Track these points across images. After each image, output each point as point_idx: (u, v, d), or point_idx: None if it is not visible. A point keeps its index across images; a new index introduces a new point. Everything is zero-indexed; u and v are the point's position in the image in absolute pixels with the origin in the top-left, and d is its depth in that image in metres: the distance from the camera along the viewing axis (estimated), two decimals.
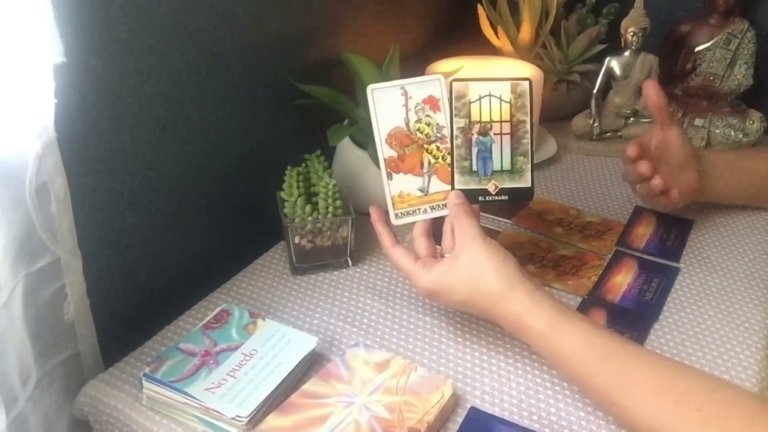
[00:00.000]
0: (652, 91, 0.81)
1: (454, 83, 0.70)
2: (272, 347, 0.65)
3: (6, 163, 0.55)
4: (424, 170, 0.71)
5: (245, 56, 0.79)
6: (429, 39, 1.15)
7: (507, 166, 0.70)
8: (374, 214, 0.71)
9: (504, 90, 0.70)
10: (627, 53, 1.04)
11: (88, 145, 0.63)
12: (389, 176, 0.70)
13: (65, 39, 0.54)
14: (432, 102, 0.71)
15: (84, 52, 0.60)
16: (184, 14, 0.69)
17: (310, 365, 0.66)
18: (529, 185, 0.70)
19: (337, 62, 0.89)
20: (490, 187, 0.70)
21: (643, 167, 0.81)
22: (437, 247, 0.70)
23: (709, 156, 0.87)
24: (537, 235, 0.88)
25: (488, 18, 1.12)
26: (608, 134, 1.08)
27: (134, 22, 0.64)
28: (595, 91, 1.07)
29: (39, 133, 0.56)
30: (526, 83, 0.70)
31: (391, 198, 0.70)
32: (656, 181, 0.81)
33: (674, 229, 0.89)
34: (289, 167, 0.79)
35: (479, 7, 1.11)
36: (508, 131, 0.70)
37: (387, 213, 0.71)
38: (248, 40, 0.78)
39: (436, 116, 0.71)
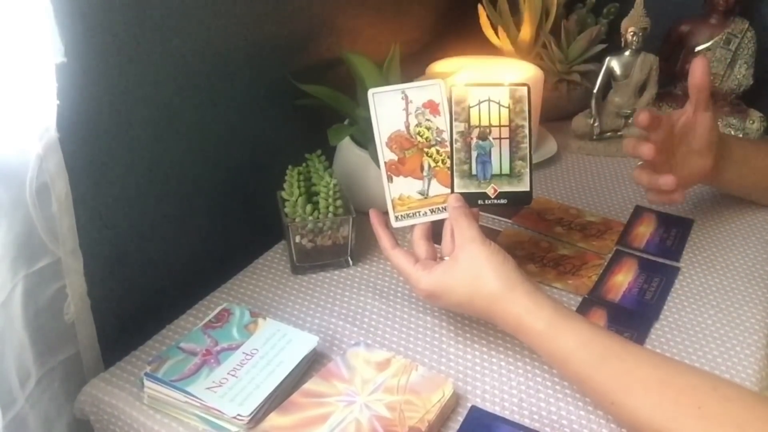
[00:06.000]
0: (699, 70, 0.76)
1: (453, 88, 0.71)
2: (273, 346, 0.65)
3: (7, 164, 0.55)
4: (424, 173, 0.71)
5: (245, 56, 0.79)
6: (429, 39, 1.16)
7: (506, 170, 0.70)
8: (373, 217, 0.71)
9: (503, 95, 0.71)
10: (627, 53, 1.04)
11: (89, 145, 0.63)
12: (389, 179, 0.70)
13: (65, 39, 0.54)
14: (432, 106, 0.71)
15: (84, 52, 0.60)
16: (184, 14, 0.69)
17: (311, 364, 0.67)
18: (528, 189, 0.70)
19: (337, 62, 0.89)
20: (489, 191, 0.70)
21: (645, 150, 0.77)
22: (437, 249, 0.70)
23: (730, 143, 0.84)
24: (537, 234, 0.88)
25: (488, 18, 1.12)
26: (608, 134, 1.08)
27: (134, 22, 0.64)
28: (595, 91, 1.07)
29: (40, 134, 0.56)
30: (525, 89, 0.71)
31: (392, 201, 0.70)
32: (667, 180, 0.78)
33: (674, 229, 0.89)
34: (289, 167, 0.79)
35: (479, 7, 1.11)
36: (507, 136, 0.70)
37: (386, 216, 0.71)
38: (248, 40, 0.78)
39: (436, 120, 0.71)
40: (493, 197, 0.70)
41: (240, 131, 0.81)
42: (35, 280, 0.60)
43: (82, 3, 0.58)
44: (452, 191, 0.70)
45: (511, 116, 0.71)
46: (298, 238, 0.78)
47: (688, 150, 0.81)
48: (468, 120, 0.70)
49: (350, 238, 0.79)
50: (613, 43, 1.10)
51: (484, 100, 0.71)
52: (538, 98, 1.01)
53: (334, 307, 0.75)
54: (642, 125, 0.77)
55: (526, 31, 1.10)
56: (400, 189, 0.70)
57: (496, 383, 0.65)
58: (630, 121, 1.07)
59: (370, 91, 0.70)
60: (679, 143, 0.81)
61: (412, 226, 0.70)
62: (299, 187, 0.78)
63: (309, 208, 0.77)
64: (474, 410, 0.62)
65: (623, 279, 0.80)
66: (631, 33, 1.03)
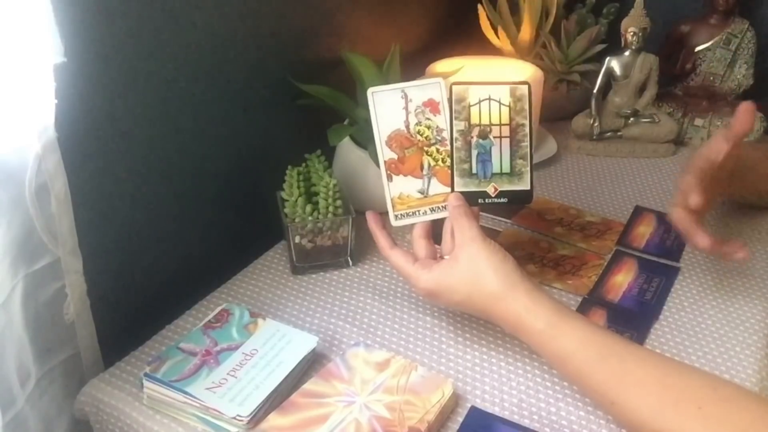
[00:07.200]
0: (747, 116, 0.71)
1: (453, 87, 0.71)
2: (273, 347, 0.65)
3: (6, 163, 0.55)
4: (424, 172, 0.71)
5: (245, 56, 0.79)
6: (429, 39, 1.16)
7: (506, 168, 0.70)
8: (370, 218, 0.71)
9: (503, 94, 0.71)
10: (627, 53, 1.04)
11: (88, 145, 0.63)
12: (389, 178, 0.70)
13: (65, 39, 0.54)
14: (432, 105, 0.71)
15: (84, 52, 0.60)
16: (184, 14, 0.69)
17: (311, 365, 0.67)
18: (528, 188, 0.70)
19: (337, 62, 0.89)
20: (490, 190, 0.70)
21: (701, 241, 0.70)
22: (437, 248, 0.70)
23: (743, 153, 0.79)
24: (537, 234, 0.88)
25: (488, 18, 1.12)
26: (608, 134, 1.08)
27: (134, 22, 0.64)
28: (595, 91, 1.07)
29: (39, 134, 0.56)
30: (525, 87, 0.71)
31: (391, 200, 0.70)
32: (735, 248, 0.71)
33: (674, 229, 0.88)
34: (289, 167, 0.79)
35: (479, 7, 1.11)
36: (508, 134, 0.70)
37: (383, 217, 0.71)
38: (248, 39, 0.78)
39: (436, 119, 0.71)
40: (493, 196, 0.70)
41: (240, 131, 0.81)
42: (35, 280, 0.60)
43: (82, 3, 0.58)
44: (452, 190, 0.70)
45: (512, 115, 0.70)
46: (297, 239, 0.78)
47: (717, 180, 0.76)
48: (468, 118, 0.70)
49: (350, 238, 0.79)
50: (613, 43, 1.10)
51: (485, 99, 0.70)
52: (538, 98, 1.01)
53: (334, 308, 0.75)
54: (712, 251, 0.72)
55: (526, 31, 1.10)
56: (400, 188, 0.70)
57: (495, 383, 0.65)
58: (630, 121, 1.07)
59: (370, 90, 0.70)
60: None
61: (412, 226, 0.70)
62: (299, 188, 0.77)
63: (309, 208, 0.77)
64: (473, 411, 0.62)
65: (623, 279, 0.80)
66: (631, 33, 1.03)
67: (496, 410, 0.62)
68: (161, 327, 0.71)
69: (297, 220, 0.77)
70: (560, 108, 1.13)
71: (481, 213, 0.83)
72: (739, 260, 0.75)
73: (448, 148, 0.70)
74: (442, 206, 0.70)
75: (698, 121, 1.09)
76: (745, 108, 0.72)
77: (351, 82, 0.86)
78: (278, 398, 0.61)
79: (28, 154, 0.56)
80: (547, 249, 0.85)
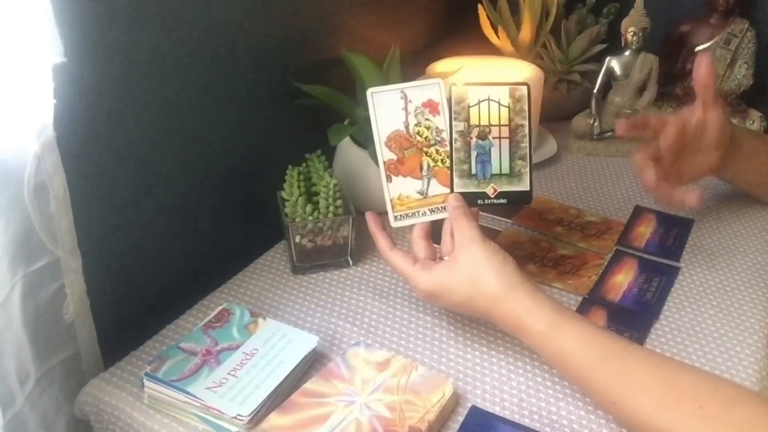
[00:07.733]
0: (703, 67, 0.76)
1: (453, 87, 0.71)
2: (273, 346, 0.65)
3: (5, 163, 0.55)
4: (424, 173, 0.71)
5: (245, 56, 0.79)
6: (429, 39, 1.16)
7: (506, 169, 0.70)
8: (370, 219, 0.71)
9: (503, 94, 0.71)
10: (627, 53, 1.04)
11: (87, 145, 0.63)
12: (389, 179, 0.70)
13: (65, 39, 0.54)
14: (431, 106, 0.71)
15: (84, 52, 0.60)
16: (184, 15, 0.69)
17: (311, 364, 0.66)
18: (528, 189, 0.70)
19: (337, 62, 0.89)
20: (489, 191, 0.70)
21: (647, 177, 0.76)
22: (436, 249, 0.70)
23: (741, 136, 0.83)
24: (537, 234, 0.88)
25: (488, 18, 1.12)
26: (608, 134, 1.08)
27: (134, 22, 0.64)
28: (595, 91, 1.07)
29: (38, 133, 0.56)
30: (525, 88, 0.71)
31: (391, 200, 0.70)
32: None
33: (674, 229, 0.89)
34: (289, 167, 0.79)
35: (479, 7, 1.12)
36: (507, 135, 0.70)
37: (383, 218, 0.71)
38: (248, 40, 0.78)
39: (435, 120, 0.71)
40: (492, 197, 0.70)
41: (240, 131, 0.81)
42: (34, 279, 0.60)
43: (82, 3, 0.58)
44: (452, 191, 0.70)
45: (511, 115, 0.71)
46: (298, 238, 0.78)
47: (697, 148, 0.80)
48: (468, 119, 0.70)
49: (350, 238, 0.79)
50: (613, 43, 1.10)
51: (484, 100, 0.71)
52: (538, 98, 1.01)
53: (334, 307, 0.75)
54: (623, 134, 0.80)
55: (526, 31, 1.10)
56: (400, 189, 0.70)
57: (496, 383, 0.65)
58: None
59: (369, 91, 0.70)
60: (691, 141, 0.80)
61: (412, 226, 0.70)
62: (299, 187, 0.77)
63: (309, 208, 0.77)
64: (474, 410, 0.62)
65: (623, 279, 0.80)
66: (631, 33, 1.03)
67: (496, 410, 0.62)
68: (161, 327, 0.71)
69: (297, 219, 0.77)
70: (560, 108, 1.13)
71: (481, 213, 0.83)
72: (692, 205, 0.79)
73: (448, 148, 0.71)
74: (442, 207, 0.70)
75: None
76: (699, 57, 0.77)
77: (351, 82, 0.86)
78: (279, 398, 0.61)
79: (27, 154, 0.56)
80: (548, 249, 0.85)
